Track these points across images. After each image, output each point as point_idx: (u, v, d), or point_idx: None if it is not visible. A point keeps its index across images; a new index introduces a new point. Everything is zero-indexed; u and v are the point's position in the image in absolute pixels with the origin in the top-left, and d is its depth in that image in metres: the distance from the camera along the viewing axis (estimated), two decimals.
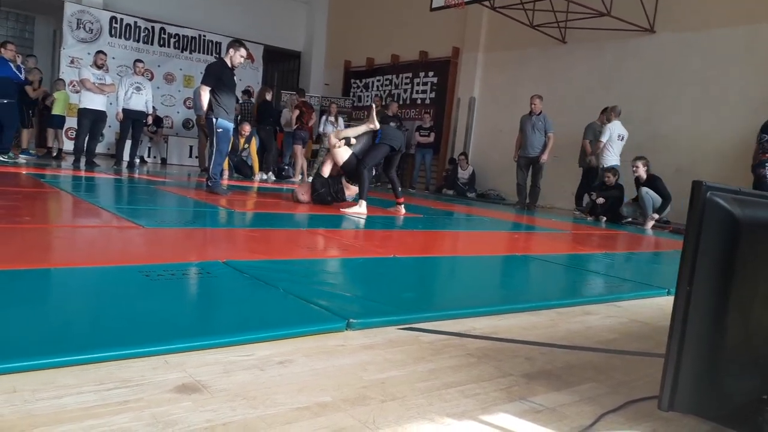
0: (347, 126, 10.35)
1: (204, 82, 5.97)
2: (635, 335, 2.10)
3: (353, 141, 5.48)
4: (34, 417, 1.08)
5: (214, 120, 5.89)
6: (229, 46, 6.13)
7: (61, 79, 10.88)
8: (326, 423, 1.17)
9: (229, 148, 6.24)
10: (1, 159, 7.76)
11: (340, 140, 5.46)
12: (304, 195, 5.63)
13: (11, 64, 8.05)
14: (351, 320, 1.80)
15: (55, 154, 10.35)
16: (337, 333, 1.75)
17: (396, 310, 1.99)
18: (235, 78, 6.17)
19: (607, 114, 7.96)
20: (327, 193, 5.53)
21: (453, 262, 3.44)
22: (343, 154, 5.44)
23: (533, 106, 8.27)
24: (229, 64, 6.04)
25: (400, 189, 5.95)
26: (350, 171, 5.49)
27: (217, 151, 6.00)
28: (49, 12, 12.18)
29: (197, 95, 5.97)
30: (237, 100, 8.69)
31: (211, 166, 6.01)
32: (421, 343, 1.73)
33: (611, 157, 7.76)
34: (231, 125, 6.06)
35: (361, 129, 5.63)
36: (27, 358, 1.28)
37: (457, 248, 4.23)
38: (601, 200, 7.49)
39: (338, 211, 5.33)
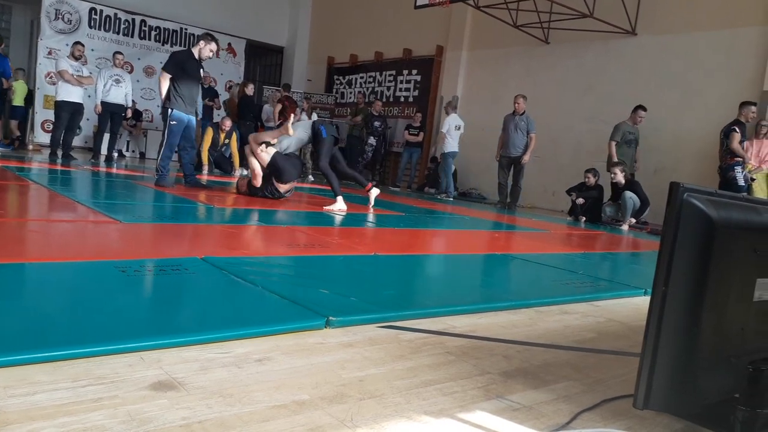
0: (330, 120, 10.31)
1: (165, 68, 5.82)
2: (612, 334, 2.13)
3: (273, 141, 5.55)
4: (6, 414, 1.06)
5: (169, 111, 5.76)
6: (200, 38, 6.05)
7: (20, 69, 10.64)
8: (303, 421, 1.17)
9: (177, 142, 6.07)
10: None
11: (259, 145, 5.50)
12: (243, 187, 5.73)
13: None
14: (330, 318, 1.79)
15: (17, 145, 10.14)
16: (317, 331, 1.74)
17: (376, 308, 1.99)
18: (201, 72, 6.08)
19: (446, 107, 9.18)
20: (263, 195, 5.57)
21: (433, 261, 3.45)
22: (264, 156, 5.49)
23: (516, 105, 8.32)
24: (197, 56, 5.95)
25: (361, 176, 6.01)
26: (274, 170, 5.50)
27: (167, 144, 5.85)
28: (26, 1, 11.93)
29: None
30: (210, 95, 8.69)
31: (159, 159, 5.87)
32: (400, 341, 1.74)
33: (450, 146, 9.20)
34: (187, 117, 5.89)
35: (275, 133, 5.69)
36: None
37: (437, 247, 4.24)
38: (580, 201, 7.57)
39: (320, 208, 5.31)
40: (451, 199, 9.20)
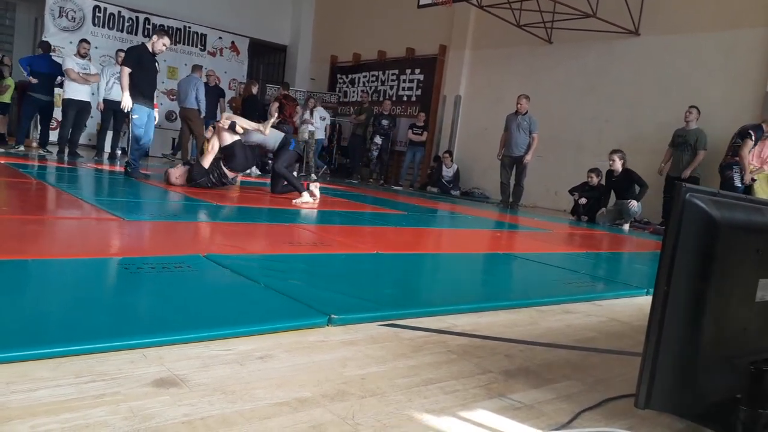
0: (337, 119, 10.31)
1: (123, 63, 6.11)
2: (614, 334, 2.13)
3: (238, 129, 5.62)
4: (8, 410, 1.06)
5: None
6: (154, 33, 6.38)
7: (6, 65, 10.59)
8: (305, 418, 1.17)
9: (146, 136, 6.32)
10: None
11: (226, 121, 5.62)
12: (178, 179, 5.68)
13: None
14: (332, 316, 1.79)
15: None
16: (318, 329, 1.75)
17: (377, 306, 1.99)
18: (156, 65, 6.30)
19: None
20: (206, 182, 5.61)
21: (435, 260, 3.45)
22: (227, 137, 5.59)
23: (519, 105, 8.31)
24: (151, 50, 6.17)
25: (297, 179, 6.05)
26: (229, 155, 5.61)
27: (133, 138, 6.13)
28: None
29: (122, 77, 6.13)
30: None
31: (129, 153, 6.16)
32: (401, 340, 1.74)
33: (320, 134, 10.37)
34: (147, 110, 6.12)
35: (253, 125, 5.80)
36: (1, 350, 1.26)
37: (439, 246, 4.24)
38: (583, 200, 7.55)
39: (328, 206, 5.32)
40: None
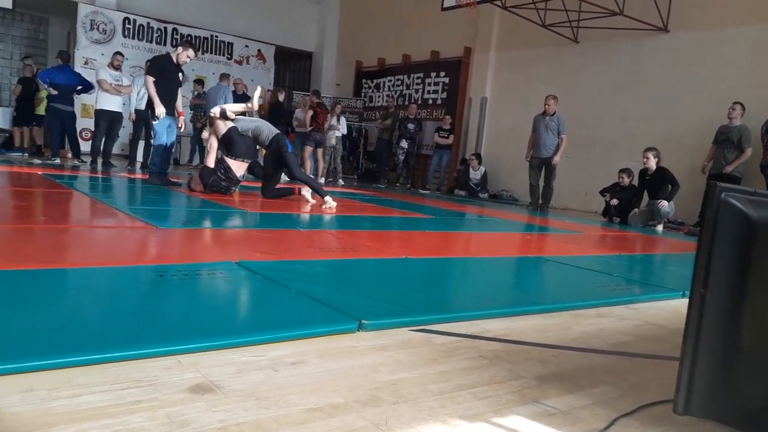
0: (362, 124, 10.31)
1: (148, 72, 6.27)
2: (649, 338, 2.09)
3: (230, 114, 5.72)
4: (51, 416, 1.09)
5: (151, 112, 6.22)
6: (179, 45, 6.50)
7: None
8: (339, 424, 1.17)
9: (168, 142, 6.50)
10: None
11: (216, 109, 5.74)
12: (197, 186, 5.81)
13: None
14: (363, 321, 1.80)
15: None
16: (349, 334, 1.75)
17: (408, 311, 1.99)
18: (180, 75, 6.44)
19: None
20: (218, 180, 5.68)
21: (465, 264, 3.43)
22: (222, 126, 5.68)
23: (547, 106, 8.22)
24: (175, 61, 6.30)
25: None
26: (227, 143, 5.70)
27: (155, 145, 6.36)
28: (63, 13, 12.27)
29: (147, 84, 6.32)
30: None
31: (149, 159, 6.37)
32: (433, 345, 1.73)
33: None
34: (168, 118, 6.26)
35: (240, 107, 5.99)
36: (43, 357, 1.30)
37: (469, 249, 4.22)
38: (614, 201, 7.43)
39: (351, 212, 5.34)
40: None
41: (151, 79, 6.15)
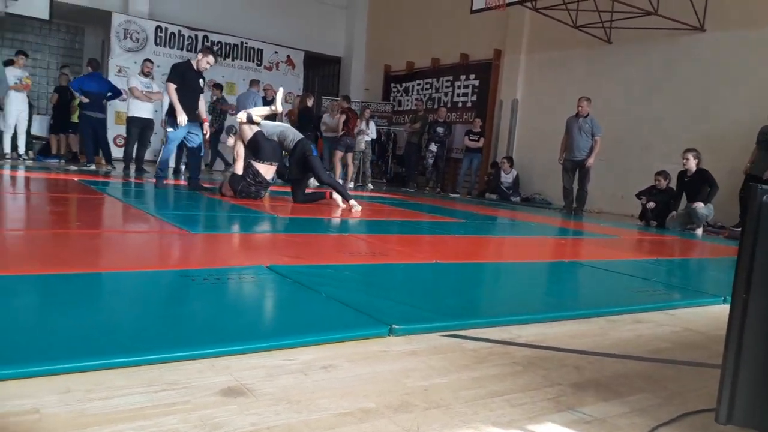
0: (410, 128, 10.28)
1: (169, 79, 6.31)
2: (689, 345, 2.02)
3: (256, 118, 5.77)
4: (87, 417, 1.10)
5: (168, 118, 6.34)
6: (199, 51, 6.57)
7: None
8: (370, 429, 1.16)
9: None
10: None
11: (242, 115, 5.80)
12: (227, 191, 5.86)
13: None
14: (393, 326, 1.78)
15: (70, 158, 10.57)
16: (380, 339, 1.74)
17: (439, 316, 1.96)
18: (201, 81, 6.49)
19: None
20: (247, 185, 5.71)
21: (497, 268, 3.39)
22: (248, 131, 5.73)
23: (580, 108, 8.11)
24: (195, 67, 6.37)
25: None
26: (254, 147, 5.75)
27: (165, 149, 6.50)
28: (97, 23, 12.60)
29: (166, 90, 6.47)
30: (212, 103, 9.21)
31: (158, 161, 6.57)
32: (464, 351, 1.71)
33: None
34: (186, 125, 6.34)
35: (265, 110, 6.08)
36: (80, 359, 1.32)
37: (501, 254, 4.17)
38: (651, 204, 7.27)
39: (378, 216, 5.34)
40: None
41: (172, 86, 6.20)
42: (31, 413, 1.10)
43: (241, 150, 5.77)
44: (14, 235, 2.98)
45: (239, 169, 5.74)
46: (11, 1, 10.24)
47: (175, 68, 6.38)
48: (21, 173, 7.13)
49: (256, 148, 5.74)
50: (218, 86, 11.10)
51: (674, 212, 7.06)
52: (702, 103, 8.15)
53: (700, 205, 6.67)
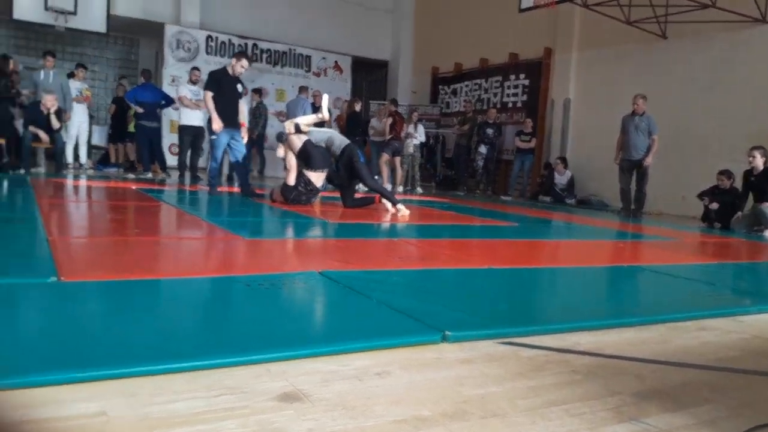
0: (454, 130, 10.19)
1: (206, 87, 6.41)
2: (759, 353, 1.92)
3: (303, 128, 5.79)
4: (151, 420, 1.14)
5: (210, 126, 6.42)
6: (233, 56, 6.60)
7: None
8: None
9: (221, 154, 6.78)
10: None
11: (290, 125, 5.82)
12: (278, 197, 5.89)
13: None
14: (446, 333, 1.77)
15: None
16: (433, 345, 1.72)
17: (493, 323, 1.94)
18: (238, 86, 6.51)
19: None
20: (299, 194, 5.74)
21: (553, 274, 3.31)
22: (296, 141, 5.75)
23: (636, 106, 7.85)
24: (231, 73, 6.39)
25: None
26: (305, 156, 5.76)
27: (212, 157, 6.56)
28: (151, 35, 13.03)
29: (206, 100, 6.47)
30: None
31: (208, 170, 6.68)
32: (520, 358, 1.67)
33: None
34: (228, 132, 6.40)
35: (312, 118, 6.12)
36: (143, 364, 1.36)
37: (556, 259, 4.06)
38: (714, 205, 6.96)
39: (430, 220, 5.32)
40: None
41: (209, 94, 6.25)
42: (99, 416, 1.14)
43: (293, 161, 5.82)
44: (79, 242, 3.12)
45: (291, 180, 5.79)
46: (70, 15, 10.73)
47: (211, 76, 6.42)
48: (83, 182, 7.46)
49: (307, 157, 5.80)
50: (257, 91, 11.20)
51: (739, 213, 6.74)
52: (763, 97, 7.77)
53: (766, 205, 6.35)
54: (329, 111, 6.21)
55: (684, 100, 8.74)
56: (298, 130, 5.80)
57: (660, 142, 7.85)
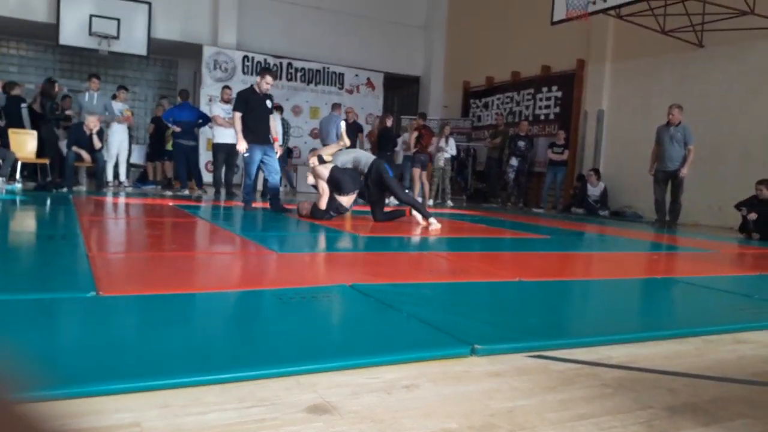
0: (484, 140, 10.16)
1: (235, 108, 6.51)
2: None
3: (326, 158, 5.86)
4: (183, 431, 1.17)
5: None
6: (258, 74, 6.73)
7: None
8: None
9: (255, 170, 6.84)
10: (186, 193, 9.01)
11: (313, 159, 5.90)
12: (306, 212, 5.94)
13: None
14: (476, 346, 1.77)
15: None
16: (462, 359, 1.72)
17: (523, 336, 1.92)
18: (267, 102, 6.62)
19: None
20: (329, 216, 5.80)
21: (584, 286, 3.27)
22: (323, 171, 5.80)
23: (671, 116, 7.70)
24: (258, 91, 6.50)
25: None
26: (334, 183, 5.79)
27: (246, 174, 6.65)
28: (190, 56, 13.41)
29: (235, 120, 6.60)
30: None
31: (242, 187, 6.79)
32: (550, 372, 1.66)
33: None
34: (260, 148, 6.52)
35: (334, 148, 6.13)
36: (177, 376, 1.40)
37: (589, 271, 4.01)
38: (753, 216, 6.77)
39: (459, 233, 5.30)
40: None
41: (238, 115, 6.38)
42: (132, 427, 1.18)
43: (325, 186, 5.84)
44: (117, 258, 3.22)
45: (323, 204, 5.82)
46: (113, 40, 11.13)
47: (239, 96, 6.54)
48: (122, 200, 7.68)
49: (337, 184, 5.83)
50: (278, 108, 11.34)
51: None
52: None
53: None
54: (347, 139, 6.20)
55: (721, 109, 8.55)
56: (321, 161, 5.88)
57: (696, 152, 7.68)
